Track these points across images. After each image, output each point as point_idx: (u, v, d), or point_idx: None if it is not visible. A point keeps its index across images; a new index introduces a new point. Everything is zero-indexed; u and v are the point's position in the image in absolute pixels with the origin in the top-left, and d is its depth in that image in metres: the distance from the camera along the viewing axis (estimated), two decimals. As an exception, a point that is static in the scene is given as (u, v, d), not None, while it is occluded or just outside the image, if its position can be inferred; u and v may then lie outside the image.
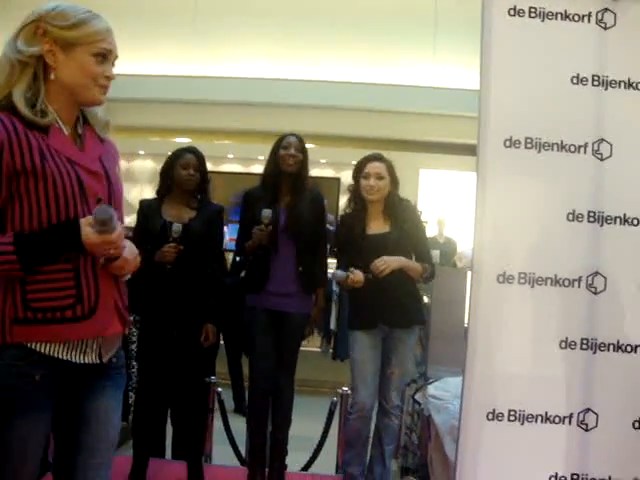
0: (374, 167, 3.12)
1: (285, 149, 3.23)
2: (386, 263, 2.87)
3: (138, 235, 3.26)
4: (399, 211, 3.14)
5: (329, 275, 3.46)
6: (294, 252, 3.19)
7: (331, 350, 5.94)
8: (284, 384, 3.30)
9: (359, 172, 3.17)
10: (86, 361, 1.66)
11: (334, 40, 7.21)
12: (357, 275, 2.93)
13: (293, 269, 3.18)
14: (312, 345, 5.85)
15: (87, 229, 1.54)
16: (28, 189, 1.57)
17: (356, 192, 3.18)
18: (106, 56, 1.69)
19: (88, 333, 1.63)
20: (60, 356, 1.61)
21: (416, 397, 3.43)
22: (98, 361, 1.69)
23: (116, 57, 1.74)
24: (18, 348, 1.58)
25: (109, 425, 1.74)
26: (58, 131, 1.66)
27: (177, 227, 3.14)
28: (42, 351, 1.59)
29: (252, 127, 7.14)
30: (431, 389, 3.35)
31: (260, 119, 7.01)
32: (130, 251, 1.70)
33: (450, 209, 7.41)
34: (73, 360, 1.63)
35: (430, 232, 7.04)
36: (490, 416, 2.38)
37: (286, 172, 3.24)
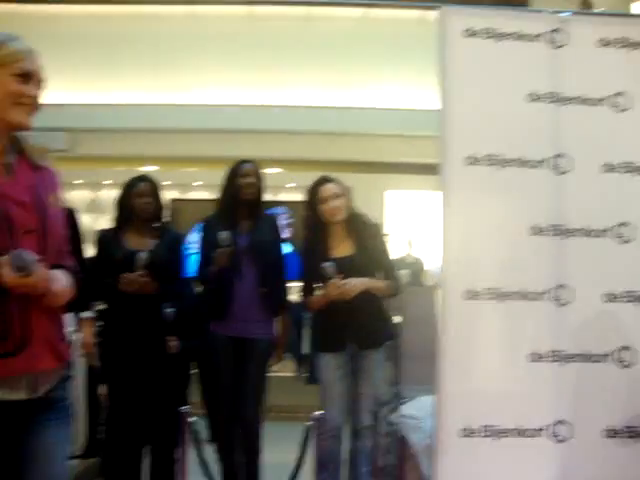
0: (328, 189, 3.11)
1: (244, 177, 3.24)
2: (353, 286, 2.88)
3: (98, 266, 3.23)
4: (361, 230, 3.15)
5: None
6: (257, 276, 3.17)
7: (305, 375, 5.89)
8: (250, 414, 3.24)
9: (313, 198, 3.15)
10: (17, 398, 1.58)
11: (298, 65, 7.27)
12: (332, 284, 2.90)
13: (256, 293, 3.17)
14: (287, 370, 5.80)
15: (5, 270, 1.47)
16: None
17: (313, 218, 3.16)
18: (28, 77, 1.63)
19: (16, 369, 1.56)
20: None
21: (390, 418, 3.42)
22: (31, 397, 1.60)
23: (41, 80, 1.68)
24: None
25: (54, 462, 1.66)
26: None
27: (143, 256, 3.11)
28: None
29: (219, 153, 7.11)
30: (405, 409, 3.33)
31: (226, 145, 6.99)
32: (61, 283, 1.62)
33: (417, 229, 7.48)
34: (2, 398, 1.55)
35: (399, 253, 7.08)
36: (464, 433, 2.39)
37: (245, 200, 3.24)
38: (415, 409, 3.25)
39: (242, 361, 3.20)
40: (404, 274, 6.03)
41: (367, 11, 7.32)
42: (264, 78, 7.41)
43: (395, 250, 7.42)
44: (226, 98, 7.52)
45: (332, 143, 7.22)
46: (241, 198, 3.26)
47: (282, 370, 5.22)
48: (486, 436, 2.39)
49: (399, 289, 3.17)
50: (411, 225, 7.65)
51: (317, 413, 3.43)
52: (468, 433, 2.38)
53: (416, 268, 6.99)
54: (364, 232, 3.13)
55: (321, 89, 7.43)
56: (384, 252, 3.19)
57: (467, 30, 2.50)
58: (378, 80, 7.31)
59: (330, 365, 3.06)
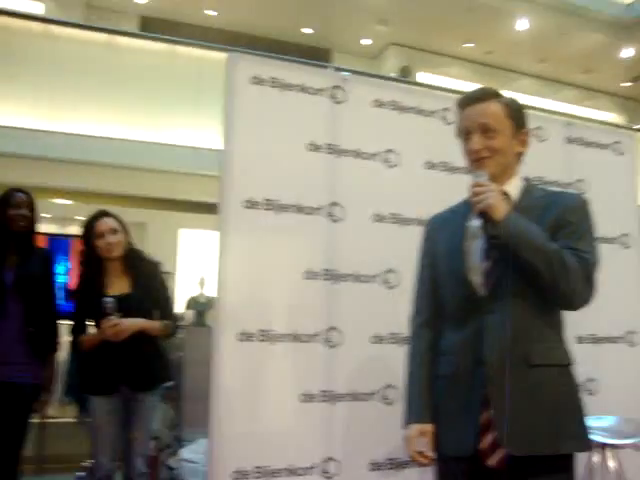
0: (105, 223, 2.99)
1: (15, 208, 2.99)
2: (127, 326, 2.76)
3: None
4: (139, 267, 3.04)
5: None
6: (22, 314, 2.92)
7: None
8: (5, 466, 2.93)
9: (89, 233, 3.00)
10: None
11: (96, 93, 6.95)
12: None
13: (22, 333, 2.91)
14: (67, 415, 5.40)
15: None
16: None
17: (89, 254, 3.01)
18: None
19: None
20: None
21: (170, 462, 3.31)
22: None
23: None
24: None
25: None
26: None
27: None
28: None
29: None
30: (185, 452, 3.25)
31: (8, 172, 6.45)
32: None
33: (210, 268, 7.39)
34: None
35: (191, 292, 6.99)
36: (236, 475, 2.36)
37: (14, 232, 2.99)
38: (195, 452, 3.18)
39: (3, 408, 2.89)
40: (189, 314, 5.95)
41: (173, 47, 7.31)
42: (57, 105, 6.97)
43: (187, 289, 7.34)
44: (13, 121, 6.95)
45: (127, 177, 6.96)
46: (10, 230, 2.98)
47: (62, 415, 4.85)
48: (257, 477, 2.39)
49: (175, 330, 3.10)
50: (204, 264, 7.61)
51: (88, 461, 3.20)
52: (240, 476, 2.36)
53: (206, 308, 6.91)
54: (142, 270, 3.02)
55: (119, 121, 7.17)
56: (162, 291, 3.09)
57: (254, 78, 2.57)
58: (177, 117, 7.25)
59: (101, 408, 2.87)
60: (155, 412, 3.04)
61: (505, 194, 1.69)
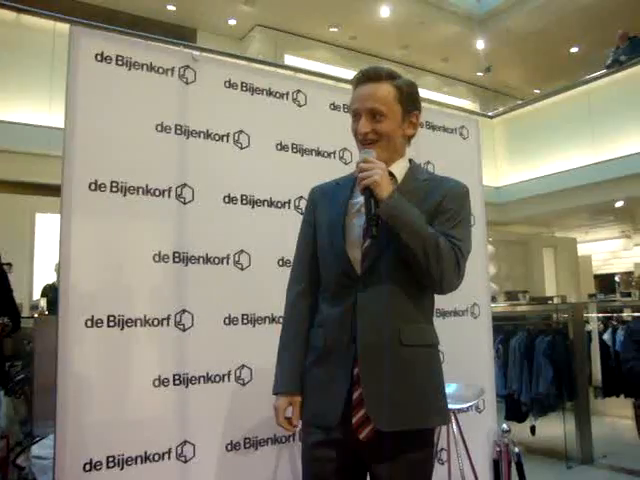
0: None
1: None
2: None
3: None
4: None
5: None
6: None
7: None
8: None
9: None
10: None
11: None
12: None
13: None
14: None
15: None
16: None
17: None
18: None
19: None
20: None
21: (18, 461, 3.14)
22: None
23: None
24: None
25: None
26: None
27: None
28: None
29: None
30: (36, 449, 3.10)
31: None
32: None
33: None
34: None
35: (49, 278, 6.63)
36: (88, 467, 2.29)
37: None
38: (48, 448, 3.03)
39: None
40: (43, 302, 5.64)
41: (20, 17, 6.82)
42: None
43: (45, 276, 6.94)
44: None
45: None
46: None
47: None
48: (111, 467, 2.33)
49: (17, 325, 2.95)
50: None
51: None
52: (91, 467, 2.29)
53: (61, 295, 6.55)
54: None
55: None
56: (6, 291, 2.93)
57: (100, 54, 2.46)
58: (29, 94, 6.78)
59: None
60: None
61: (390, 174, 1.72)
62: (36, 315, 5.20)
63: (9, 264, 4.65)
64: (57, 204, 2.28)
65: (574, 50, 12.41)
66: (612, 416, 6.20)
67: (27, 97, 6.79)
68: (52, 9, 7.53)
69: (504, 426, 3.48)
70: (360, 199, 1.69)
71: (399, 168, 1.78)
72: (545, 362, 5.01)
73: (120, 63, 2.51)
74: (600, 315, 5.80)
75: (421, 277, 1.65)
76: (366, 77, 1.74)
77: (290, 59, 11.27)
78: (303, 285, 1.84)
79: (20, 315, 2.96)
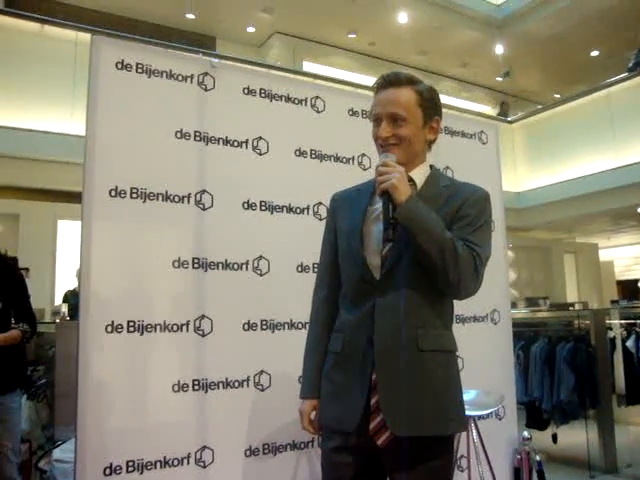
0: None
1: None
2: None
3: None
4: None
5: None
6: None
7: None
8: None
9: None
10: None
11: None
12: None
13: None
14: None
15: None
16: None
17: None
18: None
19: None
20: None
21: (40, 465, 3.17)
22: None
23: None
24: None
25: None
26: None
27: None
28: None
29: None
30: (57, 453, 3.12)
31: None
32: None
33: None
34: None
35: (71, 284, 6.69)
36: (108, 471, 2.31)
37: None
38: (68, 452, 3.06)
39: None
40: (62, 308, 5.70)
41: (43, 27, 6.92)
42: None
43: (67, 282, 7.00)
44: None
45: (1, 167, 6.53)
46: None
47: None
48: (130, 472, 2.34)
49: (34, 332, 3.00)
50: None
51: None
52: (112, 472, 2.30)
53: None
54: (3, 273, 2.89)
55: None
56: (19, 291, 2.97)
57: (120, 62, 2.49)
58: (53, 102, 6.86)
59: None
60: (20, 414, 2.90)
61: (410, 180, 1.71)
62: (58, 320, 5.25)
63: (26, 269, 4.72)
64: (78, 211, 2.30)
65: (594, 54, 12.29)
66: (636, 425, 6.09)
67: (49, 105, 6.88)
68: (75, 19, 7.66)
69: (525, 433, 3.44)
70: (379, 205, 1.69)
71: (419, 174, 1.78)
72: (567, 369, 4.94)
73: (140, 71, 2.54)
74: (623, 322, 5.72)
75: (438, 282, 1.64)
76: (387, 82, 1.75)
77: (308, 66, 11.30)
78: (326, 291, 1.86)
79: (36, 320, 3.00)
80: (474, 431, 2.91)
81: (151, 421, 2.42)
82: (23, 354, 3.02)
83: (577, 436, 5.07)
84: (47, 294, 7.05)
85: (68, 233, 7.42)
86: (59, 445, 3.20)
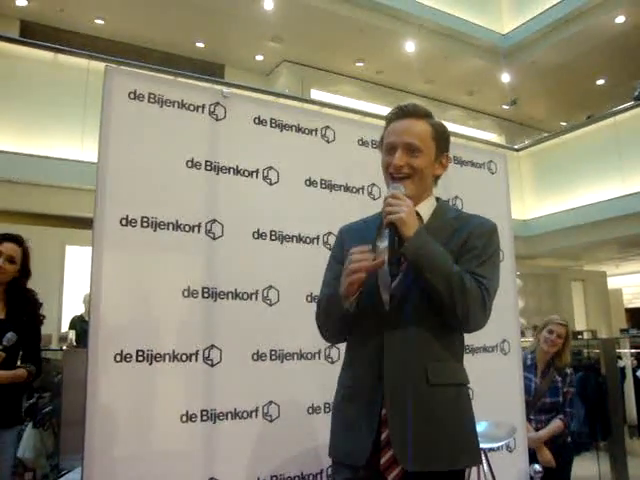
0: (6, 248, 2.88)
1: None
2: None
3: None
4: (20, 300, 2.93)
5: None
6: None
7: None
8: None
9: None
10: None
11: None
12: None
13: None
14: None
15: None
16: None
17: None
18: None
19: None
20: None
21: (45, 494, 3.14)
22: None
23: None
24: None
25: None
26: None
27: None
28: None
29: None
30: (62, 482, 3.10)
31: None
32: None
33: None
34: None
35: (78, 310, 6.69)
36: (113, 502, 2.28)
37: None
38: (73, 481, 3.03)
39: None
40: (70, 334, 5.69)
41: (56, 56, 7.03)
42: None
43: (74, 308, 7.01)
44: None
45: (9, 192, 6.56)
46: None
47: None
48: (136, 503, 2.31)
49: (39, 374, 3.02)
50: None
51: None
52: (117, 502, 2.28)
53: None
54: (23, 305, 2.91)
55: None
56: (34, 335, 3.00)
57: (133, 92, 2.52)
58: (63, 129, 6.93)
59: None
60: (13, 452, 2.90)
61: (417, 214, 1.70)
62: (65, 347, 5.24)
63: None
64: (86, 237, 2.31)
65: (600, 82, 12.36)
66: (648, 457, 6.00)
67: (60, 131, 6.95)
68: (88, 48, 7.77)
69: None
70: (386, 242, 1.66)
71: (426, 207, 1.78)
72: (577, 400, 4.89)
73: (152, 101, 2.57)
74: (633, 350, 5.67)
75: (446, 316, 1.63)
76: (405, 112, 1.76)
77: (316, 94, 11.40)
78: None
79: (42, 362, 3.03)
80: (485, 464, 2.86)
81: (159, 451, 2.39)
82: (22, 392, 3.03)
83: (589, 468, 5.00)
84: (54, 320, 7.04)
85: (76, 259, 7.45)
86: (64, 474, 3.18)
